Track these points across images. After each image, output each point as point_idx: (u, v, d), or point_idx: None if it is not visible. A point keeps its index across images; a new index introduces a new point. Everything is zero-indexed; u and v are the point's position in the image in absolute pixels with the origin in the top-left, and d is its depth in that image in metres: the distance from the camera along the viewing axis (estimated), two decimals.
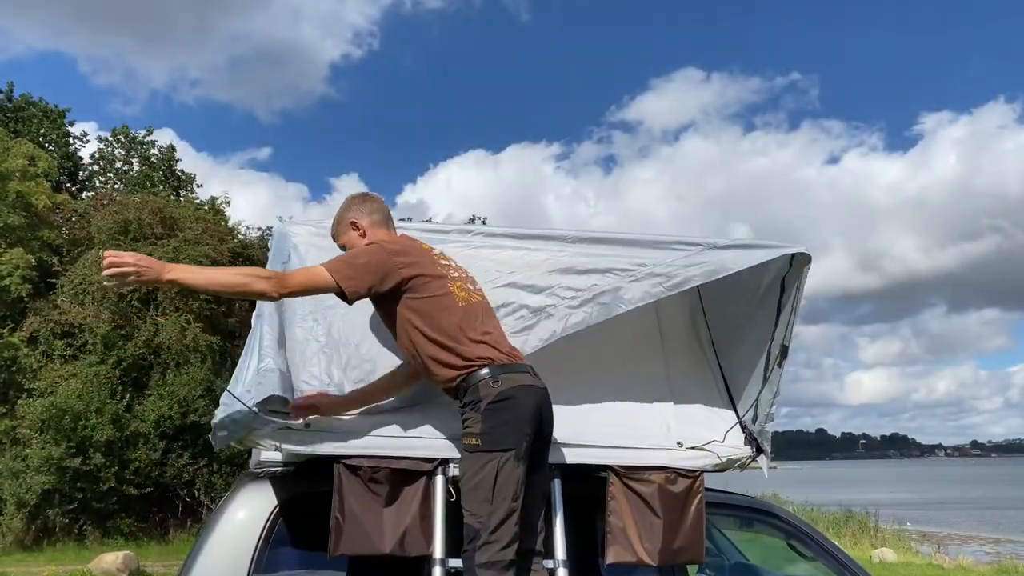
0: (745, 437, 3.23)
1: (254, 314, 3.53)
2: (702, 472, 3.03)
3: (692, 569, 3.46)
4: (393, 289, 2.74)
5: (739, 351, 3.32)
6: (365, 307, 3.15)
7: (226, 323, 18.26)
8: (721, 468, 3.14)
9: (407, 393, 2.99)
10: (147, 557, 12.93)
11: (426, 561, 2.74)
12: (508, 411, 2.61)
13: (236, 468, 16.17)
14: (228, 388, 2.85)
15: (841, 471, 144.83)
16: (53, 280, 16.32)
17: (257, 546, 2.97)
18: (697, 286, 3.48)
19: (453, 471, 2.79)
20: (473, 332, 2.72)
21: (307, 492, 3.05)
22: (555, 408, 2.89)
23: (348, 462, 2.76)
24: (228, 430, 2.80)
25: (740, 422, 3.28)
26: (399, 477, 2.78)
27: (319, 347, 3.02)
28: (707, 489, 3.20)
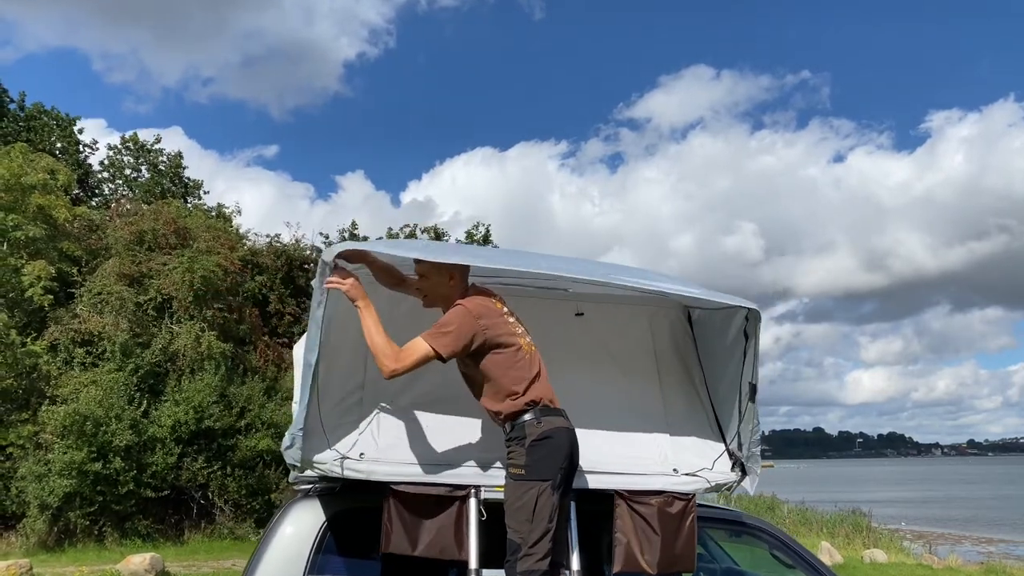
0: (732, 463, 3.76)
1: (300, 351, 4.07)
2: (694, 495, 3.56)
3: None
4: (478, 348, 3.28)
5: (721, 388, 3.86)
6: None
7: (238, 330, 18.80)
8: (711, 491, 3.68)
9: None
10: (164, 558, 13.41)
11: (452, 567, 3.29)
12: (548, 448, 3.17)
13: (248, 471, 16.73)
14: (292, 428, 3.38)
15: (838, 470, 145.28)
16: (73, 290, 16.83)
17: (311, 552, 3.54)
18: (692, 332, 4.05)
19: (484, 495, 3.33)
20: (528, 381, 3.27)
21: (351, 508, 3.61)
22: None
23: (396, 487, 3.29)
24: (294, 457, 3.35)
25: (728, 450, 3.81)
26: (438, 500, 3.32)
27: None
28: (705, 505, 3.74)
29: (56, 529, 14.74)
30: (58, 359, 15.90)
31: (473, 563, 3.23)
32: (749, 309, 3.45)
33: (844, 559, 15.55)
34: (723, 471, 3.72)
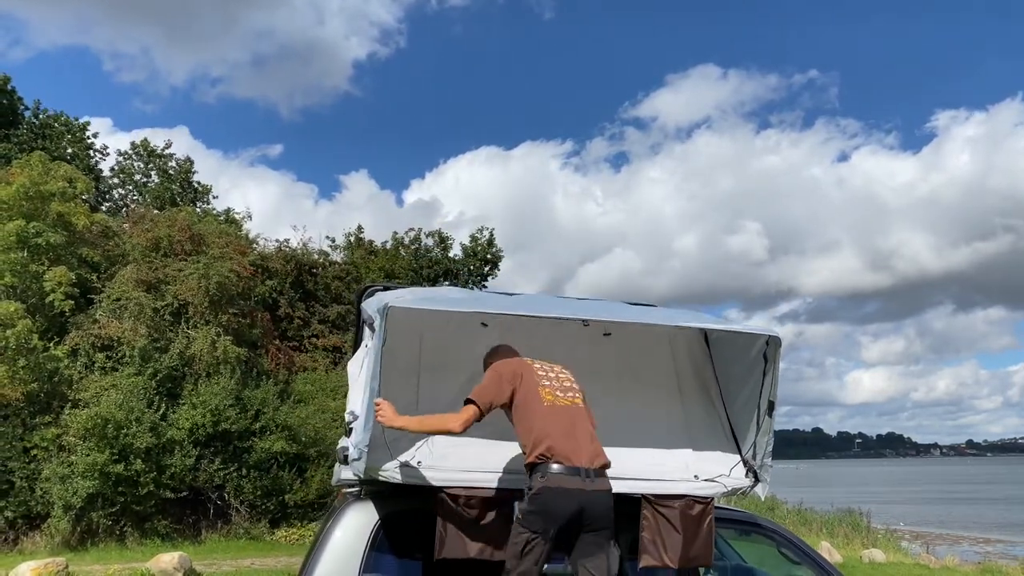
0: (746, 471, 4.19)
1: (354, 368, 4.50)
2: (712, 498, 3.99)
3: (702, 570, 4.44)
4: (508, 401, 3.70)
5: (737, 404, 4.28)
6: (457, 373, 4.16)
7: (250, 334, 19.23)
8: (727, 495, 4.11)
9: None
10: None
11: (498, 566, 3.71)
12: (540, 503, 3.48)
13: (263, 473, 17.16)
14: (359, 443, 3.79)
15: (837, 470, 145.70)
16: (92, 296, 17.26)
17: (365, 550, 3.97)
18: (709, 354, 4.48)
19: None
20: (545, 430, 3.57)
21: (401, 509, 4.04)
22: (605, 451, 3.87)
23: (448, 491, 3.72)
24: (359, 469, 3.77)
25: (743, 459, 4.24)
26: (485, 502, 3.74)
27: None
28: (721, 507, 4.16)
29: (79, 529, 15.16)
30: (78, 363, 16.32)
31: None
32: (770, 336, 3.88)
33: (843, 559, 15.93)
34: (739, 477, 4.15)
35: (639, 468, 4.01)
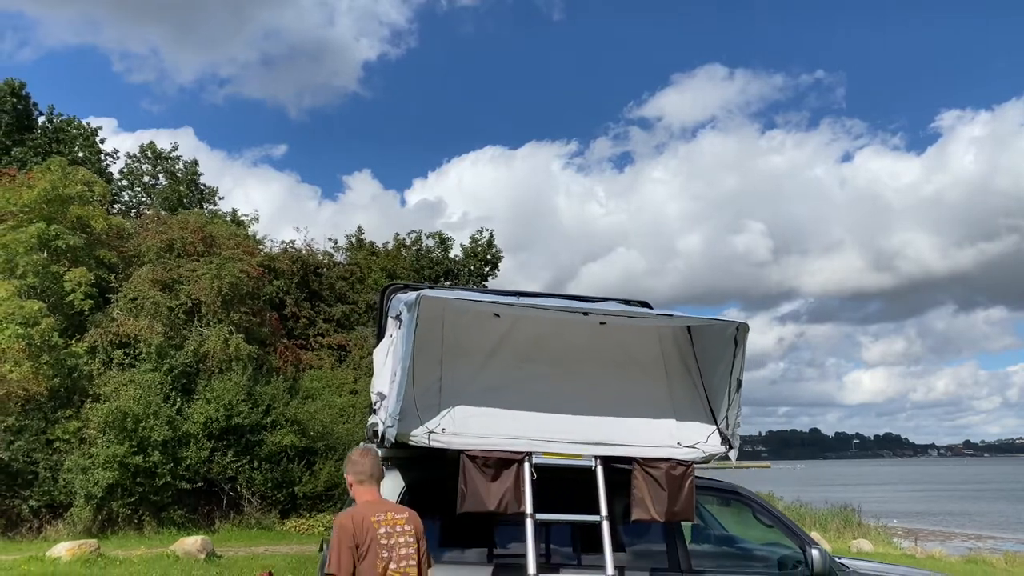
0: (721, 439, 4.89)
1: (380, 356, 5.20)
2: (693, 461, 4.69)
3: (687, 527, 5.15)
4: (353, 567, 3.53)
5: (713, 381, 4.98)
6: (474, 356, 4.85)
7: (261, 333, 19.91)
8: (705, 460, 4.81)
9: None
10: None
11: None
12: None
13: (274, 465, 17.83)
14: (391, 412, 4.46)
15: (835, 470, 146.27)
16: (110, 295, 17.94)
17: None
18: (690, 338, 5.18)
19: (536, 460, 4.44)
20: None
21: (425, 478, 4.74)
22: (600, 420, 4.60)
23: (469, 453, 4.40)
24: (392, 435, 4.45)
25: (718, 428, 4.94)
26: (501, 462, 4.42)
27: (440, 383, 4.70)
28: (699, 477, 4.86)
29: (100, 518, 15.85)
30: (97, 360, 17.00)
31: (528, 509, 4.34)
32: (739, 324, 4.58)
33: (832, 550, 16.53)
34: (714, 444, 4.86)
35: (630, 436, 4.72)
